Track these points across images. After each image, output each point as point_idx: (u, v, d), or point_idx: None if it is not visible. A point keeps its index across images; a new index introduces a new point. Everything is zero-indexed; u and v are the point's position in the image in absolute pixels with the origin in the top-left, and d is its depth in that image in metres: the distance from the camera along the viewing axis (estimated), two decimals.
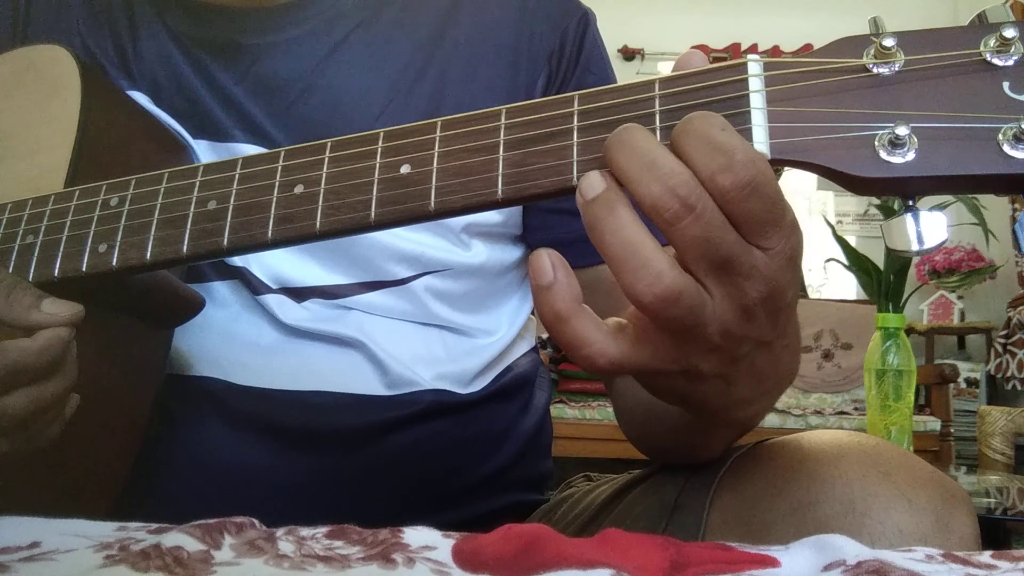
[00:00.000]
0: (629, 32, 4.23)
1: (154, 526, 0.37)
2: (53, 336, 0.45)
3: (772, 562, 0.33)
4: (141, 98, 0.68)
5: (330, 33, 0.69)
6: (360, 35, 0.70)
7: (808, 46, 4.05)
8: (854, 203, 4.33)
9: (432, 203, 0.41)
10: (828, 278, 4.38)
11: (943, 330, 3.88)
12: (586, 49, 0.73)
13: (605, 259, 0.37)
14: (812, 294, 4.18)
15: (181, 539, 0.34)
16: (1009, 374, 3.46)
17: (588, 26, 0.74)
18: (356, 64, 0.69)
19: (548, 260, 0.38)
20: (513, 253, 0.74)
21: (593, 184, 0.38)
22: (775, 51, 4.30)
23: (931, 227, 0.37)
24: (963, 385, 3.64)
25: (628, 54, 4.34)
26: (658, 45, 4.31)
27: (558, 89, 0.72)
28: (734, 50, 4.30)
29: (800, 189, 4.32)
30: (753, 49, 4.32)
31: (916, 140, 0.36)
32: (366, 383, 0.67)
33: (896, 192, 0.37)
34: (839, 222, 4.19)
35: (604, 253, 0.37)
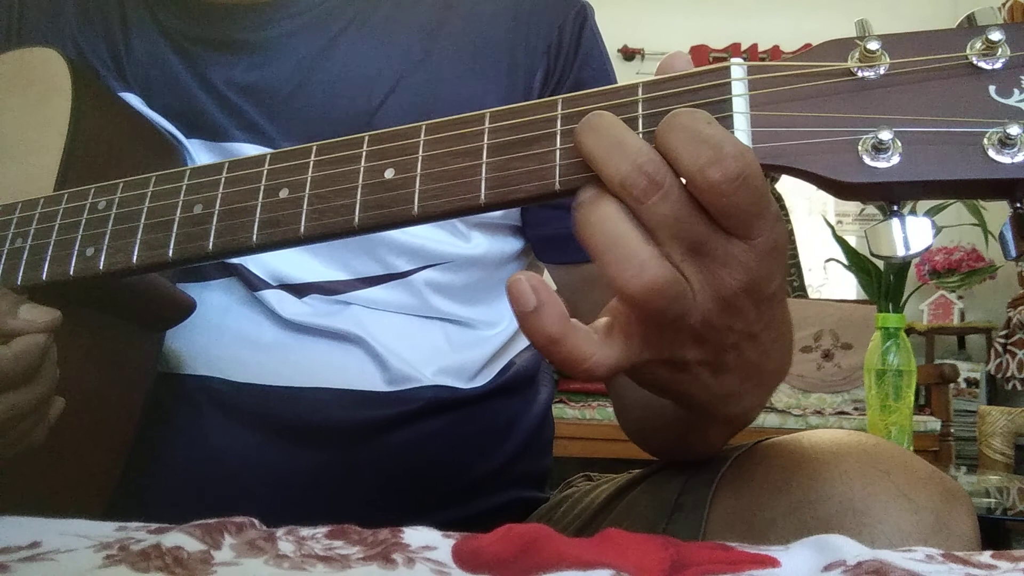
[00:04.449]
0: (629, 32, 4.22)
1: (154, 526, 0.37)
2: (29, 343, 0.44)
3: (772, 562, 0.33)
4: (133, 99, 0.67)
5: (325, 28, 0.69)
6: (355, 30, 0.69)
7: (807, 46, 4.03)
8: (854, 203, 4.32)
9: (416, 207, 0.41)
10: (828, 278, 4.37)
11: (943, 330, 3.88)
12: (584, 43, 0.72)
13: (589, 252, 0.38)
14: (812, 294, 4.18)
15: (181, 539, 0.34)
16: (1009, 374, 3.46)
17: (586, 20, 0.73)
18: (351, 59, 0.68)
19: (528, 284, 0.37)
20: (513, 244, 0.74)
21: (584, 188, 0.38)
22: (775, 51, 4.29)
23: (917, 232, 0.37)
24: (963, 385, 3.64)
25: (628, 54, 4.34)
26: (658, 45, 4.30)
27: (556, 83, 0.71)
28: (734, 50, 4.29)
29: (800, 189, 4.31)
30: (753, 49, 4.31)
31: (900, 144, 0.36)
32: (365, 379, 0.67)
33: (881, 197, 0.37)
34: (839, 222, 4.19)
35: (588, 246, 0.38)
